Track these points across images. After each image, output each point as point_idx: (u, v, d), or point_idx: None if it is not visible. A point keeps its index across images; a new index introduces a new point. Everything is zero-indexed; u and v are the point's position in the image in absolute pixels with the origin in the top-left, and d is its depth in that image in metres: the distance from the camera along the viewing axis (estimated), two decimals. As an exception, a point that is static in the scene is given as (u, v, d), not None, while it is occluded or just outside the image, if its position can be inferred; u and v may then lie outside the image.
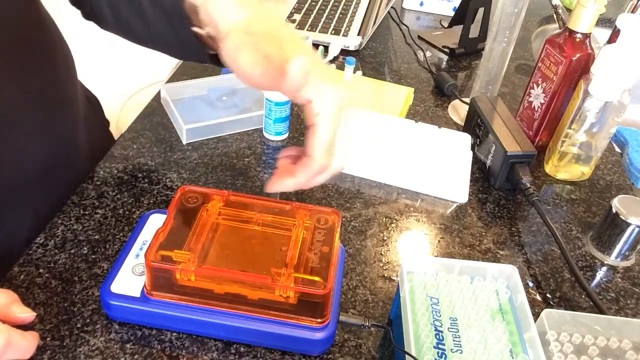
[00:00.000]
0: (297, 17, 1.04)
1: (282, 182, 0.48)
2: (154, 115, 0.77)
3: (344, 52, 0.97)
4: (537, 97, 0.74)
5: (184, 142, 0.72)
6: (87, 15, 0.59)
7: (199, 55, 0.51)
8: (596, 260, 0.63)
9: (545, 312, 0.46)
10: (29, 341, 0.44)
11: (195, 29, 0.49)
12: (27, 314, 0.46)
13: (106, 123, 0.77)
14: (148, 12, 0.52)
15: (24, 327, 0.45)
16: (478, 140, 0.75)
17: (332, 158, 0.48)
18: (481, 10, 0.98)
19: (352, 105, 0.48)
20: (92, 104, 0.74)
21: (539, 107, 0.74)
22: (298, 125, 0.78)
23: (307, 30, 1.00)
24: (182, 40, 0.51)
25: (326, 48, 0.95)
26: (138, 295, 0.48)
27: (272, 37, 0.45)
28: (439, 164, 0.72)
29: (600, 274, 0.61)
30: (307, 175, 0.47)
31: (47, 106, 0.58)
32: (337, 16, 1.06)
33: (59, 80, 0.61)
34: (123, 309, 0.48)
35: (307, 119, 0.47)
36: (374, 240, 0.61)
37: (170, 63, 0.91)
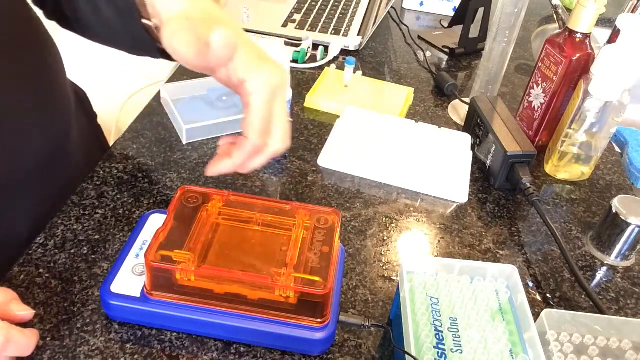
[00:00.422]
0: (297, 17, 1.04)
1: (219, 164, 0.49)
2: (154, 115, 0.77)
3: (344, 52, 0.97)
4: (537, 97, 0.74)
5: (184, 142, 0.72)
6: (49, 15, 0.60)
7: (150, 49, 0.52)
8: (596, 260, 0.63)
9: (545, 312, 0.46)
10: (29, 338, 0.44)
11: (144, 21, 0.50)
12: (26, 312, 0.46)
13: (94, 115, 0.77)
14: (102, 8, 0.53)
15: (24, 325, 0.45)
16: (478, 140, 0.75)
17: (269, 138, 0.48)
18: (481, 10, 0.98)
19: (288, 85, 0.48)
20: (80, 97, 0.74)
21: (539, 107, 0.74)
22: (298, 125, 0.78)
23: (307, 30, 1.00)
24: (133, 34, 0.52)
25: (326, 48, 0.95)
26: (138, 295, 0.48)
27: (207, 21, 0.46)
28: (439, 164, 0.72)
29: (600, 274, 0.61)
30: (242, 155, 0.48)
31: (43, 103, 0.59)
32: (337, 16, 1.06)
33: (52, 77, 0.61)
34: (123, 309, 0.48)
35: (242, 100, 0.48)
36: (374, 240, 0.61)
37: (170, 63, 0.91)
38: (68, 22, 0.59)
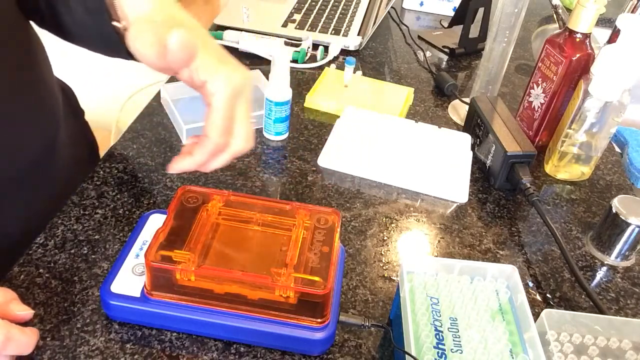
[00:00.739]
0: (297, 17, 1.04)
1: (181, 162, 0.49)
2: (154, 115, 0.77)
3: (344, 52, 0.97)
4: (537, 97, 0.74)
5: (184, 142, 0.72)
6: (27, 13, 0.61)
7: (120, 50, 0.53)
8: (596, 260, 0.63)
9: (545, 312, 0.46)
10: (29, 337, 0.44)
11: (114, 23, 0.51)
12: (25, 312, 0.46)
13: (81, 112, 0.78)
14: (74, 8, 0.54)
15: (25, 325, 0.45)
16: (478, 140, 0.75)
17: (231, 138, 0.49)
18: (481, 10, 0.98)
19: (251, 86, 0.49)
20: (67, 94, 0.75)
21: (539, 107, 0.74)
22: (298, 125, 0.78)
23: (307, 30, 1.00)
24: (104, 35, 0.52)
25: (326, 48, 0.95)
26: (138, 295, 0.48)
27: (168, 23, 0.47)
28: (439, 164, 0.72)
29: (600, 274, 0.61)
30: (204, 153, 0.48)
31: (32, 101, 0.60)
32: (337, 16, 1.06)
33: (39, 75, 0.62)
34: (123, 309, 0.48)
35: (204, 100, 0.48)
36: (374, 240, 0.61)
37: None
38: (45, 22, 0.60)
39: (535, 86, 0.75)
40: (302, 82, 0.88)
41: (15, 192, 0.58)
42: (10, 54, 0.56)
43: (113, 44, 0.52)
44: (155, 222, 0.55)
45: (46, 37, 0.63)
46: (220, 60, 0.48)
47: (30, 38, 0.61)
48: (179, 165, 0.49)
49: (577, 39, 0.69)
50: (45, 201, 0.61)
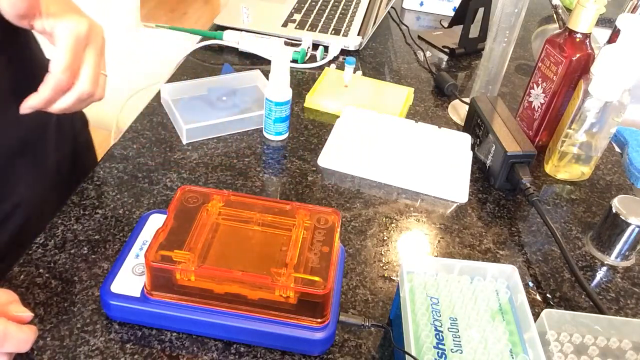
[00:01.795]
0: (297, 17, 1.04)
1: (28, 100, 0.52)
2: (154, 115, 0.77)
3: (344, 52, 0.97)
4: (537, 97, 0.74)
5: (184, 142, 0.72)
6: None
7: None
8: (596, 260, 0.63)
9: (545, 312, 0.46)
10: (27, 334, 0.44)
11: None
12: (24, 314, 0.46)
13: None
14: None
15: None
16: (478, 140, 0.75)
17: (76, 79, 0.53)
18: (481, 10, 0.98)
19: (102, 36, 0.54)
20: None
21: (539, 107, 0.74)
22: (298, 125, 0.78)
23: (307, 30, 1.00)
24: None
25: (326, 48, 0.95)
26: (138, 295, 0.48)
27: None
28: (439, 164, 0.72)
29: (600, 274, 0.61)
30: (47, 89, 0.51)
31: (27, 86, 0.62)
32: (337, 16, 1.06)
33: (37, 65, 0.64)
34: (123, 309, 0.48)
35: (51, 44, 0.52)
36: (374, 240, 0.61)
37: (170, 63, 0.91)
38: None
39: (535, 86, 0.75)
40: (302, 82, 0.88)
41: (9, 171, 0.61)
42: (9, 45, 0.59)
43: None
44: (155, 222, 0.55)
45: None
46: (64, 10, 0.52)
47: (29, 37, 0.63)
48: (26, 104, 0.52)
49: (577, 39, 0.69)
50: (37, 183, 0.64)
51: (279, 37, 0.96)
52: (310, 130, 0.78)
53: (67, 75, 0.51)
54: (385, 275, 0.57)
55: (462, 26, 0.99)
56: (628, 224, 0.59)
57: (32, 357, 0.46)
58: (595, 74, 0.65)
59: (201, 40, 0.94)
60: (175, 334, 0.49)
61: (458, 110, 0.86)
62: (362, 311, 0.53)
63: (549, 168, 0.74)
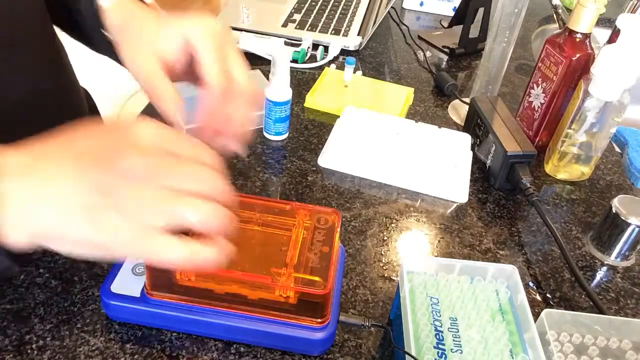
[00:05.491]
0: (297, 17, 1.04)
1: (200, 116, 0.46)
2: (154, 115, 0.76)
3: (344, 52, 0.97)
4: (537, 97, 0.74)
5: (184, 142, 0.72)
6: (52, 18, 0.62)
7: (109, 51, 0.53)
8: (596, 260, 0.62)
9: (545, 312, 0.46)
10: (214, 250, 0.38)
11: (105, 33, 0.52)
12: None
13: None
14: (85, 9, 0.53)
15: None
16: (478, 140, 0.75)
17: (233, 83, 0.47)
18: (481, 10, 0.98)
19: (230, 33, 0.48)
20: (88, 97, 0.75)
21: (539, 107, 0.74)
22: (298, 125, 0.78)
23: (307, 30, 1.00)
24: (102, 41, 0.53)
25: (326, 48, 0.95)
26: (138, 295, 0.48)
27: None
28: (439, 164, 0.72)
29: (600, 274, 0.61)
30: (214, 102, 0.46)
31: (61, 99, 0.63)
32: (337, 16, 1.06)
33: (66, 75, 0.64)
34: (123, 309, 0.48)
35: (195, 62, 0.47)
36: (374, 240, 0.61)
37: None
38: (63, 25, 0.61)
39: (535, 86, 0.75)
40: (302, 82, 0.88)
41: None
42: (40, 56, 0.58)
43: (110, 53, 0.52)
44: (155, 222, 0.55)
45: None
46: (194, 18, 0.47)
47: (56, 40, 0.62)
48: (202, 118, 0.46)
49: (577, 39, 0.69)
50: None
51: (279, 37, 0.96)
52: (310, 130, 0.78)
53: (225, 81, 0.46)
54: (385, 275, 0.57)
55: (462, 26, 0.99)
56: (628, 224, 0.59)
57: (32, 357, 0.46)
58: (595, 74, 0.65)
59: (201, 40, 0.94)
60: (175, 334, 0.49)
61: (458, 110, 0.86)
62: (362, 311, 0.53)
63: (549, 168, 0.74)
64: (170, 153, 0.37)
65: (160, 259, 0.36)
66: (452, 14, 1.13)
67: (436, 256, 0.60)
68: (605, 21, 1.21)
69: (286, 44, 0.94)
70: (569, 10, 1.08)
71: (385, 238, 0.62)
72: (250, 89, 0.48)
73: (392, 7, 1.12)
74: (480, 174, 0.73)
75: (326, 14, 1.06)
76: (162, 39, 0.47)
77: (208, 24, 0.47)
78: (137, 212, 0.35)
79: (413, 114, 0.84)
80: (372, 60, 0.97)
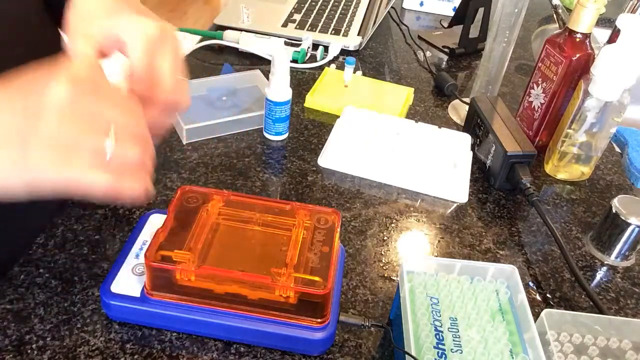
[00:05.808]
0: (297, 17, 1.04)
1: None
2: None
3: (344, 52, 0.97)
4: (537, 97, 0.74)
5: (184, 142, 0.72)
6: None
7: None
8: (596, 260, 0.62)
9: (545, 312, 0.46)
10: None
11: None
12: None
13: None
14: None
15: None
16: (478, 140, 0.75)
17: (155, 88, 0.45)
18: (481, 10, 0.98)
19: (176, 39, 0.47)
20: None
21: (539, 107, 0.74)
22: (298, 125, 0.78)
23: (307, 30, 1.00)
24: None
25: (326, 48, 0.95)
26: (138, 295, 0.48)
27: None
28: (439, 164, 0.72)
29: (600, 274, 0.61)
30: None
31: None
32: (337, 16, 1.06)
33: None
34: (123, 309, 0.48)
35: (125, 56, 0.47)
36: (374, 240, 0.61)
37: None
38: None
39: (535, 86, 0.75)
40: (302, 82, 0.88)
41: None
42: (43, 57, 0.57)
43: None
44: (155, 222, 0.55)
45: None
46: (136, 16, 0.46)
47: (61, 43, 0.61)
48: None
49: (577, 39, 0.69)
50: None
51: (279, 37, 0.96)
52: (310, 130, 0.78)
53: (147, 88, 0.44)
54: (385, 275, 0.57)
55: (462, 26, 0.99)
56: (628, 224, 0.59)
57: (32, 357, 0.46)
58: (595, 74, 0.65)
59: (201, 40, 0.94)
60: (175, 334, 0.49)
61: (458, 110, 0.86)
62: (362, 311, 0.53)
63: (549, 168, 0.74)
64: (97, 85, 0.40)
65: (84, 183, 0.37)
66: (452, 14, 1.13)
67: (436, 256, 0.60)
68: (605, 21, 1.21)
69: (286, 44, 0.94)
70: (569, 10, 1.08)
71: (385, 238, 0.62)
72: (173, 95, 0.46)
73: (392, 7, 1.12)
74: (480, 174, 0.73)
75: (326, 14, 1.06)
76: (95, 27, 0.46)
77: (146, 25, 0.45)
78: (62, 136, 0.36)
79: (413, 114, 0.84)
80: (372, 60, 0.97)
